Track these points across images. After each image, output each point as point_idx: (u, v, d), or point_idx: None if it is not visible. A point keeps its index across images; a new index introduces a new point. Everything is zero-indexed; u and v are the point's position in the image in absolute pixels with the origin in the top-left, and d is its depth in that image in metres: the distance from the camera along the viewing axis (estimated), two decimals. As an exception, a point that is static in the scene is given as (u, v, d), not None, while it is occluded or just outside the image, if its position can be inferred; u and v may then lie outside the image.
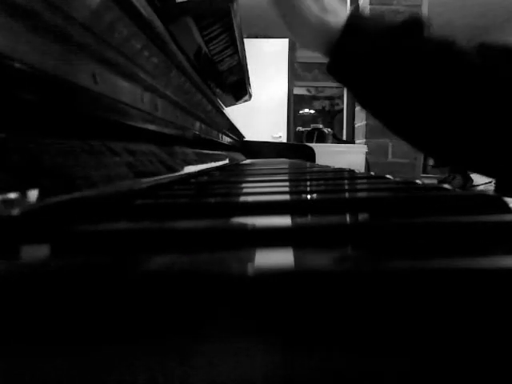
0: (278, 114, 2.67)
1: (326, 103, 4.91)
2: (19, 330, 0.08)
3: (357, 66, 0.44)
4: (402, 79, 0.42)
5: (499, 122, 0.39)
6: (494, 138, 0.40)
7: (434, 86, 0.41)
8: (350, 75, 0.45)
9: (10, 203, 0.14)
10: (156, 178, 0.29)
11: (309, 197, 0.24)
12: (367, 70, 0.43)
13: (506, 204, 0.18)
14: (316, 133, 2.22)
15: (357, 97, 0.48)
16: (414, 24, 0.42)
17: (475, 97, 0.40)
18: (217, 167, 0.61)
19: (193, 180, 0.39)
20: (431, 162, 2.96)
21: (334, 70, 0.46)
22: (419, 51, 0.41)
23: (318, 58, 0.49)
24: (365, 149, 2.00)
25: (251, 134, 1.36)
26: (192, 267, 0.10)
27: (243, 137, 1.26)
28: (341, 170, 0.54)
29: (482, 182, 2.29)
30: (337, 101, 4.71)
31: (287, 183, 0.36)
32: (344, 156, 1.90)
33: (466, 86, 0.40)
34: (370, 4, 2.11)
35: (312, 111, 4.91)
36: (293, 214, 0.18)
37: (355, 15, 0.44)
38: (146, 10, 0.28)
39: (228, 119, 0.81)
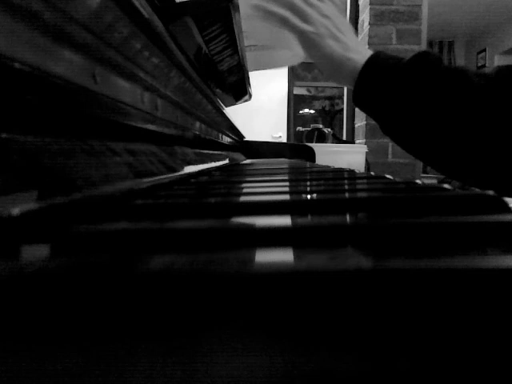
0: (278, 114, 2.67)
1: (326, 103, 4.91)
2: (19, 330, 0.08)
3: (378, 96, 0.50)
4: (418, 105, 0.47)
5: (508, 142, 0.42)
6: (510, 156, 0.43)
7: (448, 110, 0.45)
8: (373, 104, 0.52)
9: (10, 203, 0.14)
10: (156, 178, 0.29)
11: (309, 197, 0.24)
12: (387, 99, 0.49)
13: (505, 204, 0.18)
14: (316, 133, 2.22)
15: (380, 125, 0.53)
16: (429, 56, 0.47)
17: (483, 118, 0.43)
18: (217, 167, 0.61)
19: (193, 180, 0.39)
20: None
21: (359, 100, 0.53)
22: (433, 79, 0.46)
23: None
24: (365, 149, 2.00)
25: (251, 134, 1.36)
26: (192, 267, 0.10)
27: (243, 137, 1.25)
28: (341, 170, 0.54)
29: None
30: (337, 101, 4.71)
31: (287, 183, 0.36)
32: (344, 156, 1.90)
33: (472, 106, 0.44)
34: (370, 4, 2.11)
35: (312, 111, 4.91)
36: (293, 214, 0.18)
37: (377, 52, 0.50)
38: (146, 10, 0.28)
39: (228, 119, 0.81)
